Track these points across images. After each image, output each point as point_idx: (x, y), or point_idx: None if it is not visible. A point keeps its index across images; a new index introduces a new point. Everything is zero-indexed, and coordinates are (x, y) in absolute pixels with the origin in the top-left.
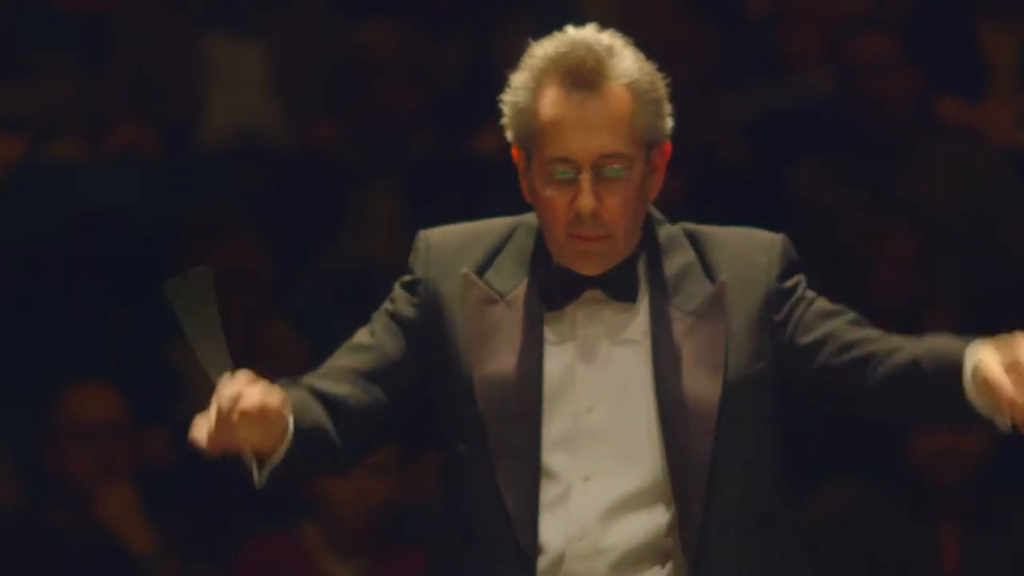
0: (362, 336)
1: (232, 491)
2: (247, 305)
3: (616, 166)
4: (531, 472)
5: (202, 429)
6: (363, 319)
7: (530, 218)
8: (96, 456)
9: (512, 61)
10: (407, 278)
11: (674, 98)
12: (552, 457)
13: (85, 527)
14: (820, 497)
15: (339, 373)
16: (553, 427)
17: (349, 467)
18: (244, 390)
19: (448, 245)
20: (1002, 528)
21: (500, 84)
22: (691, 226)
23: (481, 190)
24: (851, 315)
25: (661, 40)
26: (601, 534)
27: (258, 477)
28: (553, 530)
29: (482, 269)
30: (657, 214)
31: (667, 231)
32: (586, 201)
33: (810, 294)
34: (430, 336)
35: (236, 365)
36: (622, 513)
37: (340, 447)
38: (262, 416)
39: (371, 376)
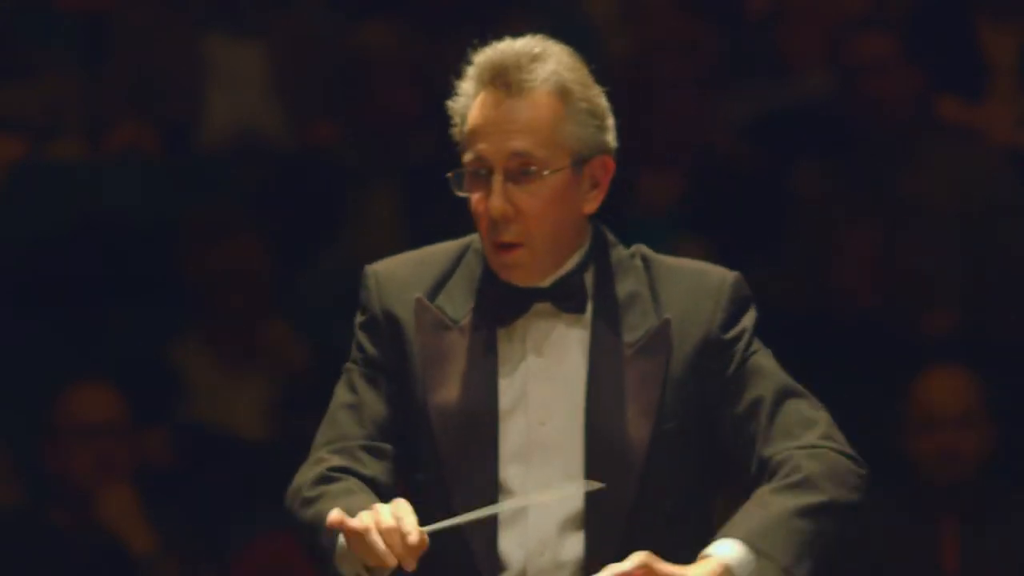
0: (347, 396)
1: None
2: (247, 305)
3: (530, 167)
4: (488, 495)
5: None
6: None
7: (477, 239)
8: (96, 456)
9: None
10: (362, 318)
11: (674, 98)
12: (508, 471)
13: (85, 527)
14: None
15: (355, 450)
16: (508, 441)
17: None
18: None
19: (397, 275)
20: (1002, 528)
21: None
22: (647, 252)
23: None
24: (774, 386)
25: (661, 40)
26: (559, 547)
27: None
28: (513, 546)
29: (433, 294)
30: (611, 237)
31: (619, 254)
32: (495, 202)
33: (749, 349)
34: (395, 365)
35: (236, 365)
36: (578, 526)
37: None
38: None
39: (376, 434)
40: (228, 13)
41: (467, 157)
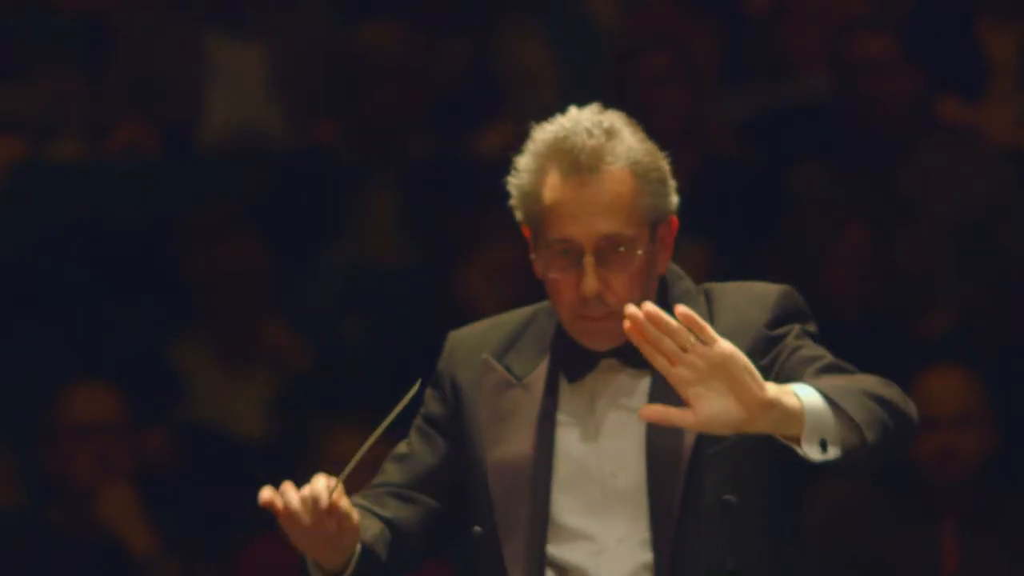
0: (401, 447)
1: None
2: (247, 305)
3: (619, 247)
4: (537, 553)
5: (272, 495)
6: (364, 319)
7: (550, 304)
8: (96, 456)
9: (512, 61)
10: (433, 378)
11: (674, 98)
12: (587, 524)
13: (85, 527)
14: (820, 496)
15: (382, 494)
16: (583, 496)
17: (433, 554)
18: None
19: (470, 337)
20: (1002, 528)
21: (500, 84)
22: (711, 285)
23: (481, 190)
24: (824, 362)
25: (661, 40)
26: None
27: None
28: None
29: (501, 354)
30: (678, 271)
31: (683, 288)
32: (590, 284)
33: (799, 342)
34: (455, 426)
35: (236, 365)
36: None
37: (397, 561)
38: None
39: (412, 484)
40: (228, 13)
41: (548, 237)
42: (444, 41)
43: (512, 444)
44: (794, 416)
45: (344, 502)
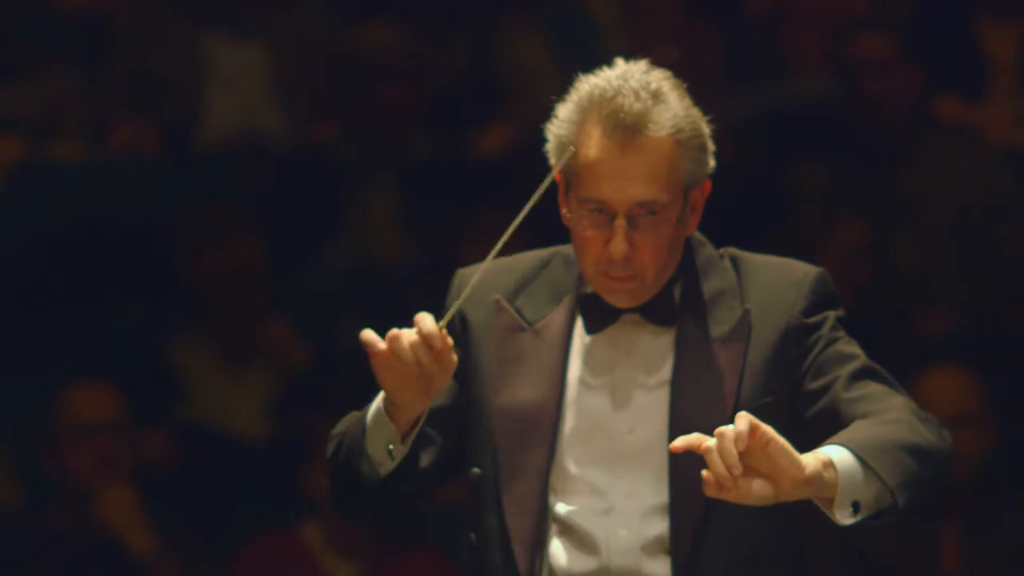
0: None
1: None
2: (247, 305)
3: (652, 213)
4: (539, 498)
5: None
6: (363, 318)
7: (566, 250)
8: (96, 456)
9: (512, 61)
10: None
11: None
12: (596, 477)
13: (85, 527)
14: None
15: None
16: (594, 449)
17: (430, 489)
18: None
19: (480, 278)
20: (1002, 528)
21: (500, 84)
22: (737, 252)
23: (481, 190)
24: (858, 364)
25: (661, 40)
26: (643, 529)
27: (399, 447)
28: (598, 529)
29: (512, 297)
30: (699, 237)
31: (706, 254)
32: (619, 247)
33: (834, 334)
34: (462, 365)
35: (236, 365)
36: (663, 512)
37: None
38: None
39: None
40: (228, 13)
41: (582, 194)
42: (444, 41)
43: (521, 390)
44: (829, 486)
45: (450, 340)
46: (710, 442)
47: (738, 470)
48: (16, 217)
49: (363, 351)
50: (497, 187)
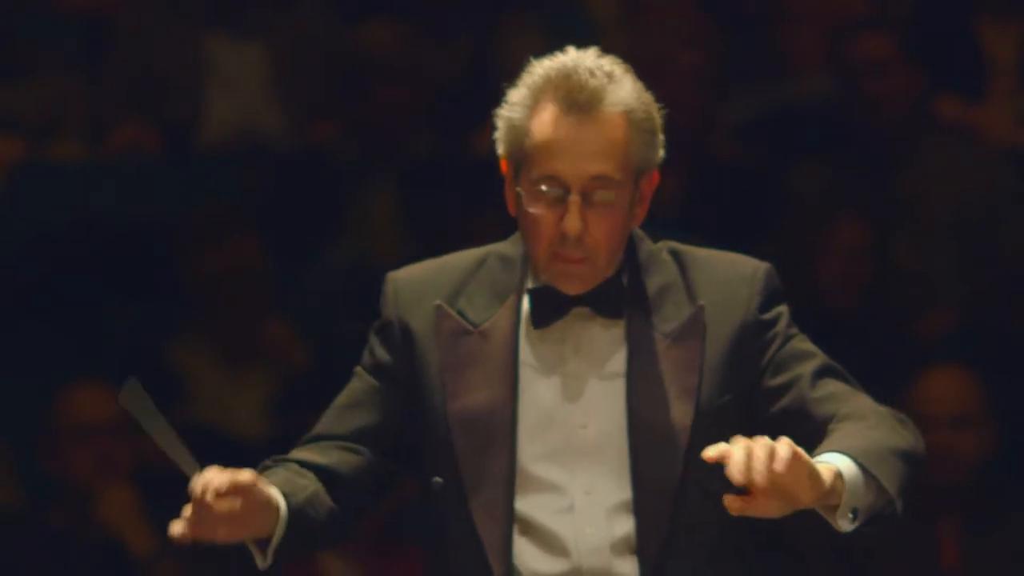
0: (342, 397)
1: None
2: (247, 305)
3: (606, 191)
4: (506, 502)
5: (179, 523)
6: (363, 319)
7: (500, 248)
8: (96, 456)
9: (512, 61)
10: (377, 323)
11: (674, 97)
12: (551, 474)
13: (85, 527)
14: None
15: (324, 441)
16: (548, 445)
17: (350, 534)
18: (213, 476)
19: (415, 282)
20: (1002, 528)
21: (500, 84)
22: (676, 245)
23: (481, 190)
24: (819, 362)
25: (661, 39)
26: (610, 529)
27: (262, 561)
28: (564, 529)
29: (452, 300)
30: (639, 232)
31: (647, 249)
32: (573, 223)
33: (789, 330)
34: (406, 374)
35: (236, 365)
36: (628, 510)
37: (339, 516)
38: (235, 491)
39: (356, 436)
40: (228, 13)
41: (535, 173)
42: (444, 41)
43: (475, 394)
44: (836, 495)
45: (243, 476)
46: (737, 454)
47: (764, 485)
48: (16, 217)
49: (362, 351)
50: (497, 187)
